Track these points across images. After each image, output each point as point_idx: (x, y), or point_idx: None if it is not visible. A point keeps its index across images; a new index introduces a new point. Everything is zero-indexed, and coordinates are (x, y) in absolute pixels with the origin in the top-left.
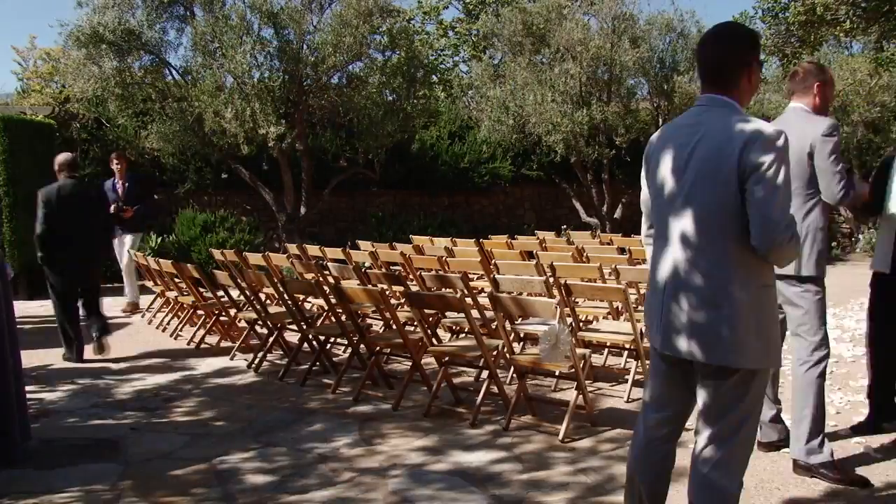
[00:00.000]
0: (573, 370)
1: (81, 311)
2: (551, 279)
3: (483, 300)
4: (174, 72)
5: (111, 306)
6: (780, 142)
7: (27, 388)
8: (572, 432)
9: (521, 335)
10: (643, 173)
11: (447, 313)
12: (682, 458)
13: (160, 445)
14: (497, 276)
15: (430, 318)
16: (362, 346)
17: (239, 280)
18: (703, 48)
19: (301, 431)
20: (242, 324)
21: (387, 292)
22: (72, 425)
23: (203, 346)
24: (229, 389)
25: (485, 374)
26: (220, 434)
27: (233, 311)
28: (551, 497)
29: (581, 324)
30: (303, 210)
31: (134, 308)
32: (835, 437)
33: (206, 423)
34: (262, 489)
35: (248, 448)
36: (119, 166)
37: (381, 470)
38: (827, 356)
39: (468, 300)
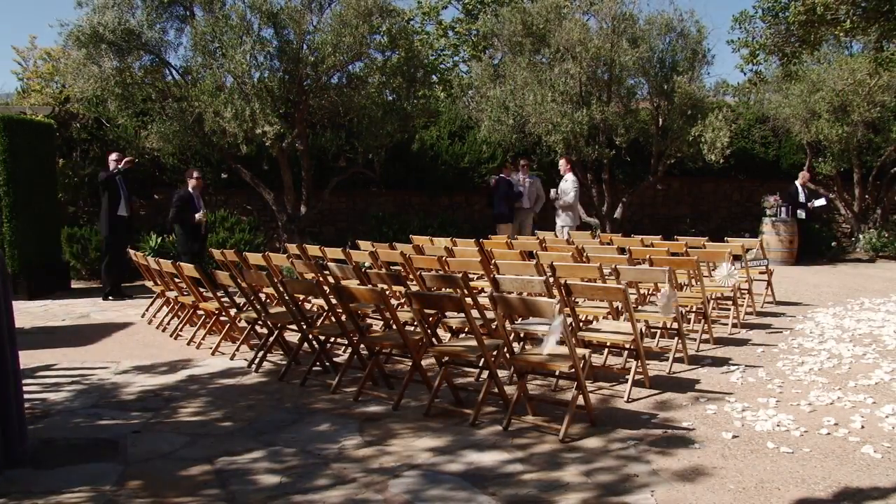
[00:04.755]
0: (573, 370)
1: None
2: (551, 279)
3: (483, 300)
4: (174, 72)
5: (115, 304)
6: None
7: (29, 388)
8: (573, 432)
9: (521, 335)
10: None
11: (448, 313)
12: (692, 458)
13: (161, 445)
14: (497, 276)
15: (431, 318)
16: (362, 346)
17: (239, 280)
18: None
19: (302, 431)
20: (243, 324)
21: (387, 292)
22: (73, 425)
23: (203, 345)
24: (230, 389)
25: (485, 374)
26: (221, 434)
27: (233, 311)
28: (561, 497)
29: (581, 324)
30: (303, 210)
31: None
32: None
33: (207, 423)
34: (264, 489)
35: (250, 448)
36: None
37: (384, 470)
38: None
39: (468, 300)
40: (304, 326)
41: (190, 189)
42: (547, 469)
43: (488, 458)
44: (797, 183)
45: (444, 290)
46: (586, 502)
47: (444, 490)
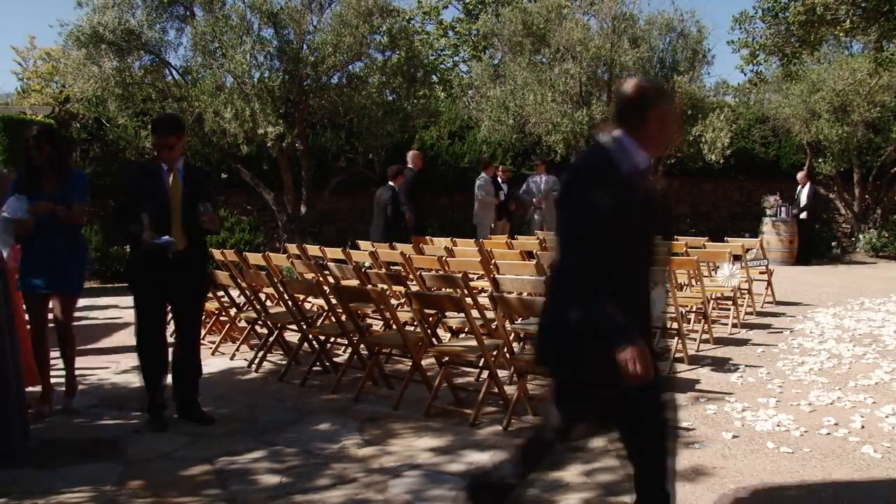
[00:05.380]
0: None
1: None
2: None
3: (483, 300)
4: (174, 72)
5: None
6: None
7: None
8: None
9: (521, 335)
10: None
11: (448, 313)
12: (692, 458)
13: (161, 445)
14: (497, 276)
15: (430, 319)
16: (362, 346)
17: (239, 280)
18: None
19: (302, 431)
20: (243, 324)
21: (387, 292)
22: (73, 425)
23: (203, 345)
24: (230, 389)
25: (485, 374)
26: (222, 434)
27: (233, 311)
28: (561, 497)
29: None
30: (303, 210)
31: None
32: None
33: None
34: (265, 489)
35: (250, 448)
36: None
37: (384, 470)
38: None
39: (468, 300)
40: (304, 326)
41: (393, 184)
42: (548, 469)
43: (489, 458)
44: (808, 185)
45: (444, 290)
46: (587, 502)
47: (445, 490)
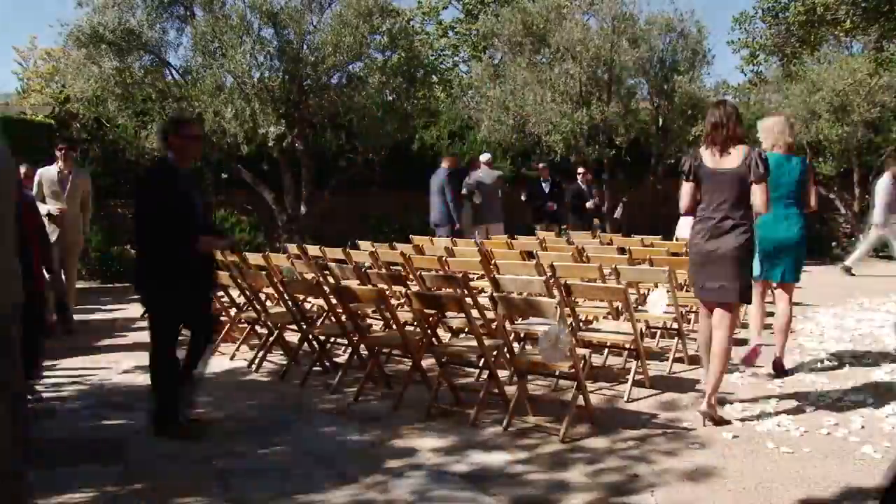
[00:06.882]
0: (573, 370)
1: None
2: (551, 279)
3: (483, 300)
4: (174, 72)
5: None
6: None
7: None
8: (575, 433)
9: (522, 335)
10: None
11: (448, 313)
12: (692, 458)
13: (162, 445)
14: (497, 276)
15: (431, 319)
16: (362, 346)
17: (239, 280)
18: None
19: (303, 431)
20: (243, 324)
21: (387, 292)
22: (73, 426)
23: None
24: (230, 390)
25: (485, 374)
26: (223, 434)
27: (233, 311)
28: (564, 498)
29: (581, 324)
30: (303, 210)
31: None
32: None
33: (208, 424)
34: (267, 490)
35: (252, 448)
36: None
37: (386, 470)
38: None
39: (468, 300)
40: (304, 326)
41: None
42: (550, 469)
43: (492, 459)
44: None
45: (444, 290)
46: (589, 503)
47: (448, 490)
